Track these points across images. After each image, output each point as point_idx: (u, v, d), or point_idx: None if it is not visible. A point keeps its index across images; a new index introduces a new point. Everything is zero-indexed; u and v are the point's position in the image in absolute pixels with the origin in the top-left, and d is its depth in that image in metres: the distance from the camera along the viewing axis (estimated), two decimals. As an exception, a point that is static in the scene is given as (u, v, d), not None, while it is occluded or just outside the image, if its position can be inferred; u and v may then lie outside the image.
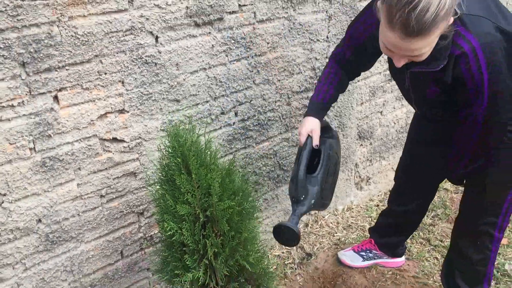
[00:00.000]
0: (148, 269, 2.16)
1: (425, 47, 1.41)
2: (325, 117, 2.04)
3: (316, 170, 1.81)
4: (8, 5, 1.50)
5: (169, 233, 1.59)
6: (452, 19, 1.40)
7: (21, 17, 1.53)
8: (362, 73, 2.56)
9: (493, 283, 2.26)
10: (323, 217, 2.84)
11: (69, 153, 1.78)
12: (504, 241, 2.55)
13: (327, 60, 2.46)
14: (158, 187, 1.66)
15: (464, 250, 1.93)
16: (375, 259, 2.43)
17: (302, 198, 1.76)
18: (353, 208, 2.95)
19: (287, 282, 2.38)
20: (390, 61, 1.78)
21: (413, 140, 2.15)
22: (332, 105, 1.96)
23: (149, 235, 2.11)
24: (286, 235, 1.68)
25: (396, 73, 1.82)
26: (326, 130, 1.94)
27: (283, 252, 2.59)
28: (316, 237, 2.70)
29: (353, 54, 1.86)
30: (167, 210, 1.61)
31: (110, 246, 2.00)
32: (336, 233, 2.73)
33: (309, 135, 1.81)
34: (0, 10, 1.48)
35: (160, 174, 1.65)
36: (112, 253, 2.02)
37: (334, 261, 2.49)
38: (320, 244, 2.64)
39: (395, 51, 1.47)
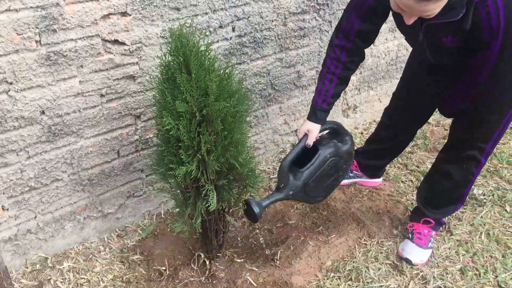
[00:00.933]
0: (142, 171, 2.30)
1: (438, 8, 1.48)
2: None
3: (305, 166, 1.94)
4: None
5: (166, 127, 1.70)
6: None
7: None
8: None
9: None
10: (309, 140, 2.98)
11: (72, 50, 1.85)
12: (475, 169, 2.73)
13: (325, -17, 2.50)
14: (158, 85, 1.76)
15: (450, 172, 2.05)
16: (354, 178, 2.59)
17: (281, 186, 1.93)
18: (338, 134, 3.09)
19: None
20: (398, 17, 1.77)
21: (415, 73, 2.19)
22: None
23: (145, 138, 2.23)
24: (250, 211, 1.87)
25: (407, 29, 1.83)
26: (337, 133, 2.06)
27: (268, 168, 2.75)
28: (301, 156, 2.84)
29: (363, 22, 1.86)
30: (166, 107, 1.71)
31: (107, 144, 2.12)
32: (320, 154, 2.88)
33: (306, 134, 1.95)
34: None
35: (161, 73, 1.74)
36: (110, 151, 2.14)
37: (316, 178, 2.65)
38: (305, 163, 2.79)
39: (407, 11, 1.53)
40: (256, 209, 1.85)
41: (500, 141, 2.97)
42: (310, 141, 1.97)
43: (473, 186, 2.56)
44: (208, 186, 1.78)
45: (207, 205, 1.79)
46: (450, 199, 2.13)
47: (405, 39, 2.11)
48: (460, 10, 1.57)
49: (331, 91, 1.95)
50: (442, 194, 2.14)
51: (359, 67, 2.96)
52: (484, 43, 1.66)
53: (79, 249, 2.19)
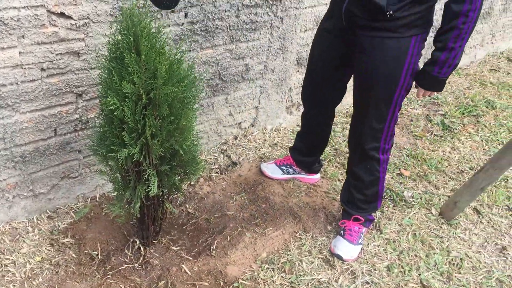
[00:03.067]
0: (80, 151, 2.22)
1: None
2: None
3: None
4: None
5: (110, 108, 1.65)
6: None
7: None
8: (310, 1, 2.67)
9: (391, 206, 2.56)
10: (252, 133, 3.00)
11: (14, 18, 1.75)
12: (406, 173, 2.87)
13: (280, -21, 2.52)
14: (105, 64, 1.70)
15: (358, 173, 2.19)
16: (293, 174, 2.64)
17: None
18: (280, 130, 3.13)
19: (211, 184, 2.54)
20: None
21: (316, 42, 2.22)
22: None
23: (85, 118, 2.15)
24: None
25: None
26: None
27: (210, 158, 2.74)
28: (243, 149, 2.86)
29: None
30: (112, 86, 1.66)
31: (44, 121, 2.03)
32: (262, 148, 2.91)
33: None
34: None
35: (109, 51, 1.69)
36: (46, 129, 2.05)
37: (257, 171, 2.68)
38: (246, 156, 2.81)
39: None
40: None
41: (430, 148, 3.15)
42: None
43: (403, 189, 2.69)
44: (150, 170, 1.75)
45: (147, 190, 1.76)
46: (367, 198, 2.24)
47: None
48: None
49: None
50: (358, 194, 2.25)
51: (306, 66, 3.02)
52: None
53: (5, 229, 2.09)
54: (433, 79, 1.91)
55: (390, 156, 2.21)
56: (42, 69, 1.92)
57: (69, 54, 1.96)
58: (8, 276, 1.89)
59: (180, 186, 1.94)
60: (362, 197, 2.23)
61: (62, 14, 1.87)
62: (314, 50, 2.22)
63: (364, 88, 1.99)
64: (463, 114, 3.67)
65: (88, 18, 1.94)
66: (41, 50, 1.87)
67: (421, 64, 1.96)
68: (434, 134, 3.36)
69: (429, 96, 2.15)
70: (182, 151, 1.79)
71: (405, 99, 3.79)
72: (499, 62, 4.90)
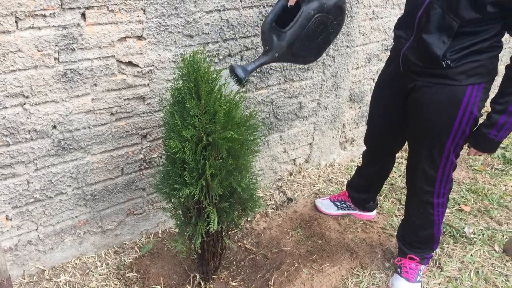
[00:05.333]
0: (144, 189, 2.35)
1: None
2: None
3: (288, 26, 1.84)
4: None
5: (173, 150, 1.76)
6: None
7: None
8: (362, 39, 2.74)
9: (452, 242, 2.51)
10: (307, 169, 3.05)
11: (88, 69, 1.93)
12: (466, 208, 2.80)
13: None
14: (168, 108, 1.83)
15: (412, 215, 2.19)
16: (348, 209, 2.65)
17: (266, 49, 1.87)
18: (335, 165, 3.16)
19: (267, 220, 2.60)
20: None
21: (378, 88, 2.24)
22: None
23: (149, 158, 2.29)
24: (234, 76, 1.83)
25: None
26: None
27: (266, 194, 2.81)
28: (298, 185, 2.91)
29: None
30: (174, 129, 1.78)
31: (113, 162, 2.18)
32: (316, 184, 2.95)
33: None
34: None
35: (172, 96, 1.82)
36: (114, 168, 2.20)
37: (312, 207, 2.72)
38: (301, 192, 2.86)
39: None
40: (241, 73, 1.81)
41: (491, 182, 3.07)
42: (292, 1, 1.82)
43: (464, 225, 2.63)
44: (210, 208, 1.83)
45: (207, 227, 1.84)
46: (421, 239, 2.21)
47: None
48: None
49: None
50: (411, 235, 2.23)
51: (358, 102, 3.07)
52: None
53: (76, 263, 2.22)
54: (488, 141, 1.86)
55: (448, 200, 2.16)
56: (112, 114, 2.07)
57: (136, 99, 2.12)
58: (78, 308, 2.01)
59: (238, 222, 2.01)
60: (416, 238, 2.21)
61: (129, 63, 2.03)
62: (375, 99, 2.27)
63: (417, 134, 2.01)
64: (526, 146, 3.56)
65: (153, 65, 2.10)
66: (111, 96, 2.04)
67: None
68: (495, 168, 3.28)
69: (480, 156, 2.12)
70: (241, 189, 1.87)
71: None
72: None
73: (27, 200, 2.00)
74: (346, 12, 2.01)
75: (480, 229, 2.62)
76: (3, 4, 1.65)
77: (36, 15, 1.73)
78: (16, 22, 1.70)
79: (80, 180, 2.11)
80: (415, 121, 1.99)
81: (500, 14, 1.67)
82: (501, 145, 3.56)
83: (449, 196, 2.85)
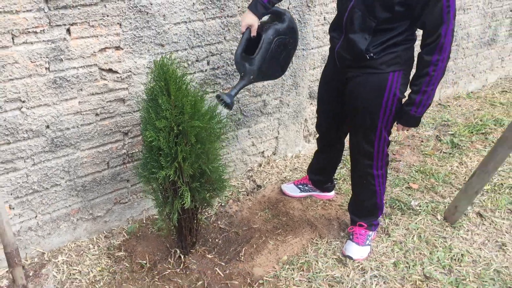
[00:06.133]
0: (128, 181, 2.68)
1: None
2: (279, 5, 2.45)
3: (255, 53, 2.27)
4: (40, -47, 1.98)
5: (150, 139, 2.11)
6: None
7: (48, -36, 2.01)
8: (316, 43, 3.12)
9: (399, 214, 2.88)
10: (275, 161, 3.41)
11: (74, 76, 2.27)
12: (414, 186, 3.18)
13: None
14: (143, 105, 2.18)
15: (357, 187, 2.57)
16: (310, 191, 3.01)
17: (242, 75, 2.29)
18: (300, 156, 3.53)
19: (239, 204, 2.95)
20: None
21: (323, 77, 2.61)
22: (276, 5, 2.39)
23: (131, 152, 2.63)
24: (222, 103, 2.22)
25: None
26: (277, 16, 2.38)
27: (238, 183, 3.15)
28: (267, 174, 3.27)
29: None
30: (150, 121, 2.13)
31: (99, 156, 2.51)
32: (283, 172, 3.30)
33: (248, 28, 2.28)
34: (33, -43, 1.96)
35: (146, 95, 2.17)
36: (101, 162, 2.53)
37: (278, 191, 3.07)
38: (269, 180, 3.21)
39: None
40: (227, 99, 2.19)
41: (438, 164, 3.46)
42: (254, 33, 2.27)
43: (411, 199, 3.01)
44: (183, 187, 2.18)
45: (182, 203, 2.18)
46: (366, 209, 2.58)
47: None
48: None
49: None
50: (359, 206, 2.60)
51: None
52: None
53: (71, 247, 2.54)
54: (410, 117, 2.24)
55: (388, 172, 2.53)
56: (96, 114, 2.41)
57: (117, 101, 2.46)
58: (75, 282, 2.33)
59: (210, 201, 2.35)
60: (362, 207, 2.58)
61: (110, 70, 2.38)
62: (320, 92, 2.65)
63: (354, 117, 2.38)
64: (472, 132, 3.96)
65: (130, 71, 2.45)
66: (95, 99, 2.38)
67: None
68: (443, 152, 3.67)
69: (407, 131, 2.51)
70: (209, 170, 2.22)
71: (417, 122, 4.12)
72: (511, 84, 5.17)
73: (27, 191, 2.33)
74: (298, 31, 2.45)
75: (425, 202, 3.00)
76: (1, 24, 1.99)
77: (29, 32, 2.07)
78: (13, 38, 2.04)
79: (71, 173, 2.44)
80: (351, 106, 2.36)
81: (407, 12, 2.06)
82: (449, 132, 3.97)
83: (400, 176, 3.24)
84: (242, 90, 2.97)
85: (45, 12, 2.08)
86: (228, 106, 2.22)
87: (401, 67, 2.21)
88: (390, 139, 2.41)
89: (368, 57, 2.17)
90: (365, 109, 2.28)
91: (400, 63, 2.20)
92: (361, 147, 2.40)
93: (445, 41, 2.06)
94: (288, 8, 2.98)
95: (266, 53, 2.30)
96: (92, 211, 2.60)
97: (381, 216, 2.72)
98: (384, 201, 2.60)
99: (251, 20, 2.27)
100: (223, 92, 2.27)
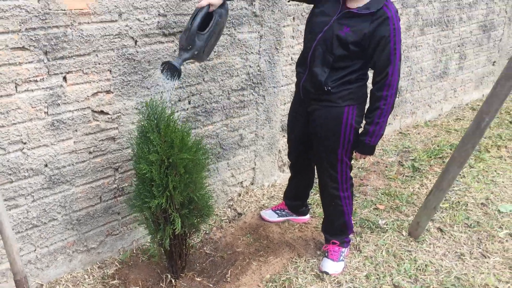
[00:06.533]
0: (119, 213, 2.88)
1: None
2: None
3: (205, 30, 2.38)
4: (40, 12, 2.24)
5: (143, 171, 2.35)
6: None
7: (48, 20, 2.28)
8: (285, 80, 3.44)
9: (369, 232, 3.16)
10: (253, 190, 3.67)
11: (70, 118, 2.50)
12: (381, 207, 3.49)
13: (259, 67, 3.32)
14: (136, 140, 2.42)
15: (327, 209, 2.86)
16: (287, 216, 3.27)
17: (189, 48, 2.36)
18: (276, 185, 3.80)
19: (222, 231, 3.17)
20: (315, 11, 2.54)
21: (291, 108, 2.91)
22: None
23: (121, 186, 2.84)
24: (171, 71, 2.35)
25: (321, 14, 2.50)
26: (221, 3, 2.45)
27: (220, 212, 3.39)
28: (246, 203, 3.51)
29: None
30: (143, 155, 2.37)
31: (93, 191, 2.72)
32: (261, 201, 3.56)
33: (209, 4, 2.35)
34: (35, 15, 2.23)
35: (138, 132, 2.42)
36: (94, 197, 2.74)
37: (258, 218, 3.32)
38: (249, 207, 3.46)
39: None
40: (177, 65, 2.31)
41: (402, 186, 3.78)
42: (213, 9, 2.37)
43: (378, 219, 3.30)
44: (174, 214, 2.41)
45: (174, 228, 2.41)
46: (337, 228, 2.86)
47: (307, 30, 2.64)
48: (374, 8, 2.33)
49: None
50: (330, 225, 2.88)
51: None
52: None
53: (68, 278, 2.71)
54: (365, 145, 2.57)
55: (356, 195, 2.83)
56: (90, 152, 2.64)
57: (108, 139, 2.69)
58: (74, 310, 2.49)
59: (198, 226, 2.58)
60: (333, 226, 2.85)
61: (101, 112, 2.62)
62: (288, 123, 2.96)
63: (318, 145, 2.68)
64: (430, 157, 4.33)
65: (120, 112, 2.70)
66: (89, 139, 2.61)
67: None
68: (405, 175, 4.01)
69: (363, 159, 2.85)
70: (196, 198, 2.46)
71: (381, 150, 4.48)
72: (464, 112, 5.63)
73: (27, 226, 2.51)
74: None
75: (391, 221, 3.30)
76: (6, 74, 2.23)
77: (30, 80, 2.31)
78: (16, 87, 2.28)
79: (67, 208, 2.64)
80: (315, 136, 2.67)
81: (360, 52, 2.40)
82: (410, 157, 4.32)
83: (368, 199, 3.54)
84: (220, 126, 3.25)
85: (44, 63, 2.33)
86: (178, 72, 2.32)
87: (355, 102, 2.54)
88: (352, 164, 2.73)
89: (326, 89, 2.49)
90: (326, 138, 2.60)
91: (354, 99, 2.54)
92: (326, 172, 2.69)
93: (392, 79, 2.41)
94: (258, 52, 3.31)
95: (212, 34, 2.44)
96: (87, 243, 2.78)
97: (351, 234, 2.99)
98: (352, 220, 2.88)
99: (217, 1, 2.37)
100: (169, 61, 2.35)
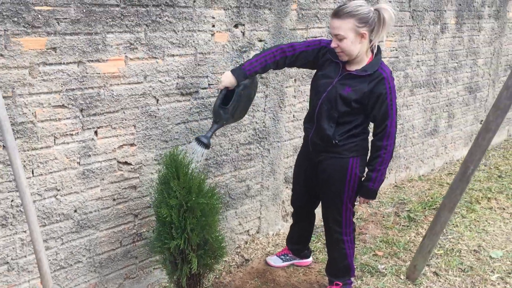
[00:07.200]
0: (136, 257, 3.11)
1: (340, 28, 2.59)
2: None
3: (229, 104, 2.84)
4: (79, 75, 2.59)
5: (164, 215, 2.61)
6: (366, 35, 2.63)
7: (85, 82, 2.62)
8: (288, 136, 3.76)
9: (369, 276, 3.37)
10: (258, 238, 3.90)
11: (98, 168, 2.79)
12: (380, 253, 3.71)
13: (264, 123, 3.66)
14: (157, 187, 2.70)
15: (331, 252, 3.09)
16: (290, 260, 3.49)
17: (217, 121, 2.86)
18: (280, 234, 4.03)
19: (231, 275, 3.38)
20: (319, 74, 2.89)
21: (298, 158, 3.24)
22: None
23: (140, 232, 3.09)
24: (200, 144, 2.80)
25: (324, 76, 2.83)
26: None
27: (228, 258, 3.60)
28: (253, 250, 3.74)
29: (303, 52, 2.87)
30: (163, 200, 2.64)
31: (114, 236, 2.96)
32: (267, 248, 3.78)
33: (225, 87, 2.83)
34: (74, 78, 2.57)
35: (159, 179, 2.70)
36: (115, 241, 2.98)
37: (264, 263, 3.53)
38: (256, 254, 3.68)
39: (331, 32, 2.67)
40: (205, 140, 2.78)
41: (399, 235, 4.03)
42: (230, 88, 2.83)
43: (378, 264, 3.52)
44: (191, 254, 2.65)
45: (190, 267, 2.64)
46: (341, 270, 3.08)
47: (312, 91, 2.96)
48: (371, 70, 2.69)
49: (257, 68, 2.84)
50: (334, 267, 3.11)
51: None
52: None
53: (88, 318, 2.89)
54: (368, 190, 2.85)
55: (356, 243, 3.08)
56: (114, 199, 2.91)
57: (130, 188, 2.97)
58: None
59: (212, 267, 2.81)
60: (337, 268, 3.08)
61: (125, 162, 2.92)
62: (294, 173, 3.25)
63: (324, 192, 2.97)
64: (425, 208, 4.59)
65: (141, 163, 2.99)
66: (113, 187, 2.89)
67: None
68: (402, 225, 4.26)
69: (367, 203, 3.13)
70: (211, 239, 2.71)
71: (378, 202, 4.75)
72: (455, 167, 5.95)
73: (55, 267, 2.73)
74: (258, 84, 3.11)
75: (390, 266, 3.52)
76: (47, 129, 2.54)
77: (67, 134, 2.62)
78: (54, 140, 2.59)
79: (91, 251, 2.87)
80: (323, 183, 2.95)
81: (362, 108, 2.74)
82: (406, 208, 4.59)
83: (367, 246, 3.77)
84: (229, 177, 3.54)
85: (79, 119, 2.65)
86: (206, 145, 2.79)
87: (359, 153, 2.85)
88: (354, 211, 3.00)
89: (334, 142, 2.80)
90: (334, 184, 2.88)
91: (358, 150, 2.85)
92: (331, 217, 2.95)
93: (391, 131, 2.74)
94: (264, 109, 3.66)
95: (237, 104, 2.89)
96: (107, 285, 2.99)
97: (353, 278, 3.21)
98: (354, 263, 3.11)
99: (230, 83, 2.80)
100: (200, 135, 2.84)
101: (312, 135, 2.94)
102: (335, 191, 2.89)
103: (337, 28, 2.61)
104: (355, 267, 3.27)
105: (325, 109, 2.81)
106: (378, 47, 2.75)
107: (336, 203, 2.91)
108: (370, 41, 2.70)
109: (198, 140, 2.81)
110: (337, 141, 2.80)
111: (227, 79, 2.81)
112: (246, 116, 3.52)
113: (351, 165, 2.83)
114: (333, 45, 2.69)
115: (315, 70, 2.98)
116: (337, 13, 2.61)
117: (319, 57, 2.87)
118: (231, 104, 2.86)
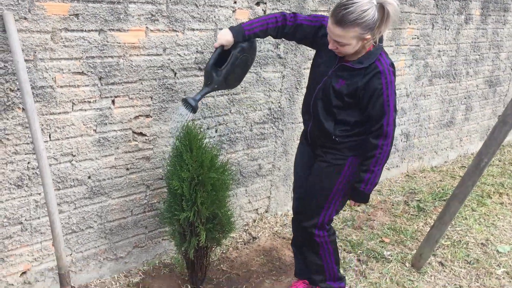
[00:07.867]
0: (146, 227, 3.16)
1: (343, 37, 2.34)
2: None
3: (223, 65, 2.58)
4: (99, 43, 2.61)
5: (175, 187, 2.65)
6: (369, 37, 2.40)
7: (105, 51, 2.65)
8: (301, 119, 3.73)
9: (374, 261, 3.40)
10: (267, 218, 3.93)
11: (114, 137, 2.83)
12: (387, 240, 3.73)
13: (279, 104, 3.66)
14: (171, 159, 2.73)
15: (303, 252, 2.93)
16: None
17: (208, 83, 2.59)
18: (288, 215, 4.06)
19: (238, 251, 3.43)
20: (317, 61, 2.66)
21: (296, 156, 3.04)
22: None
23: (151, 203, 3.13)
24: (187, 106, 2.54)
25: (321, 65, 2.60)
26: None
27: (236, 235, 3.65)
28: (261, 228, 3.77)
29: (307, 25, 2.62)
30: (176, 173, 2.68)
31: (125, 205, 3.01)
32: (275, 227, 3.82)
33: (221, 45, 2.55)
34: (95, 46, 2.60)
35: (172, 152, 2.73)
36: (126, 210, 3.03)
37: (271, 241, 3.57)
38: (263, 232, 3.72)
39: (330, 35, 2.45)
40: (192, 102, 2.52)
41: (407, 223, 4.03)
42: (226, 48, 2.56)
43: (383, 250, 3.54)
44: (200, 227, 2.68)
45: (198, 240, 2.68)
46: (315, 270, 2.90)
47: (310, 77, 2.73)
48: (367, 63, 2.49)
49: (257, 30, 2.63)
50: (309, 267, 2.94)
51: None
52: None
53: (96, 283, 2.96)
54: (359, 192, 2.60)
55: (335, 245, 2.85)
56: (127, 169, 2.95)
57: (143, 158, 3.01)
58: (103, 310, 2.74)
59: (220, 241, 2.85)
60: (311, 267, 2.93)
61: (140, 133, 2.95)
62: (295, 163, 3.08)
63: (312, 183, 2.76)
64: (435, 199, 4.58)
65: (156, 135, 3.03)
66: (127, 156, 2.93)
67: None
68: (411, 214, 4.26)
69: (358, 206, 2.98)
70: (220, 214, 2.74)
71: (388, 190, 4.75)
72: (469, 161, 5.90)
73: (67, 231, 2.79)
74: (257, 50, 2.88)
75: (396, 253, 3.53)
76: (66, 94, 2.58)
77: (85, 101, 2.66)
78: (72, 106, 2.62)
79: (103, 218, 2.93)
80: (313, 174, 2.78)
81: (354, 104, 2.54)
82: (416, 198, 4.58)
83: (374, 232, 3.77)
84: (241, 154, 3.56)
85: (98, 87, 2.68)
86: (193, 108, 2.53)
87: (358, 153, 2.64)
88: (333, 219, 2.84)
89: (333, 137, 2.62)
90: (323, 180, 2.70)
91: (358, 150, 2.63)
92: (309, 210, 2.78)
93: (388, 130, 2.50)
94: (280, 90, 3.66)
95: (232, 67, 2.61)
96: (116, 252, 3.05)
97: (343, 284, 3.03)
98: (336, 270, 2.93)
99: (226, 42, 2.54)
100: (188, 97, 2.62)
101: (311, 128, 2.74)
102: (323, 186, 2.71)
103: (339, 36, 2.36)
104: (359, 253, 3.24)
105: (320, 101, 2.62)
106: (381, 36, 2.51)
107: (321, 197, 2.72)
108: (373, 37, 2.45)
109: (185, 101, 2.55)
110: (337, 139, 2.62)
111: (224, 36, 2.56)
112: (262, 95, 3.53)
113: (349, 162, 2.65)
114: (331, 47, 2.46)
115: (315, 51, 2.75)
116: (340, 22, 2.31)
117: (318, 36, 2.65)
118: (225, 66, 2.59)
